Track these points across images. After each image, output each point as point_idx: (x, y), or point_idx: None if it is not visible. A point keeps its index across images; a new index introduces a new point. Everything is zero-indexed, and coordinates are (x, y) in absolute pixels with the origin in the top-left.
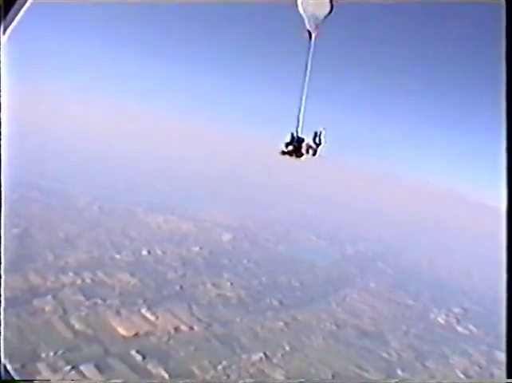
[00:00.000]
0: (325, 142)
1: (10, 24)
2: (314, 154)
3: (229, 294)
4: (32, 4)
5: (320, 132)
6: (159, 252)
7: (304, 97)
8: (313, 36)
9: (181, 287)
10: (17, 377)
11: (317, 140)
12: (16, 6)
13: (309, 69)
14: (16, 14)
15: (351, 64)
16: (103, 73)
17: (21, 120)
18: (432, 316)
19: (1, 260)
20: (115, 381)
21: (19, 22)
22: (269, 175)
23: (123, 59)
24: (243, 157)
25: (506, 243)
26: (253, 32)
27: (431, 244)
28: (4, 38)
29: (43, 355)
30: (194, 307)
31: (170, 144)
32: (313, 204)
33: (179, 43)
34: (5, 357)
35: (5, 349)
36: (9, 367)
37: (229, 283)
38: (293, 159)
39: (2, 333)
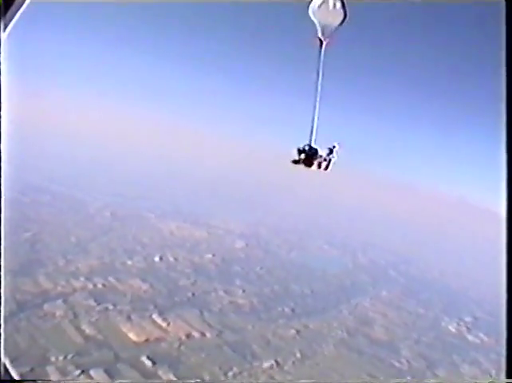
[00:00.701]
0: (335, 158)
1: (10, 23)
2: (326, 169)
3: (241, 301)
4: (31, 3)
5: (334, 147)
6: (171, 258)
7: (317, 106)
8: (324, 44)
9: (193, 294)
10: (17, 377)
11: (331, 155)
12: (15, 5)
13: (320, 77)
14: (15, 13)
15: (361, 70)
16: (103, 72)
17: (28, 122)
18: (443, 324)
19: (2, 263)
20: (121, 381)
21: (18, 21)
22: (282, 182)
23: (123, 58)
24: (256, 164)
25: (506, 246)
26: (260, 32)
27: (442, 252)
28: (4, 37)
29: (53, 359)
30: (206, 314)
31: (183, 150)
32: (326, 212)
33: (180, 43)
34: (5, 357)
35: (5, 348)
36: (9, 366)
37: (241, 290)
38: (303, 167)
39: (3, 333)
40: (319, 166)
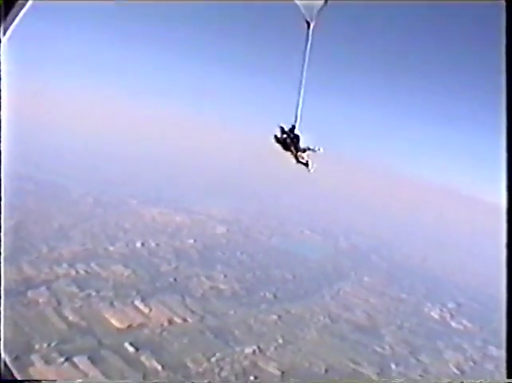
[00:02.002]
0: (311, 165)
1: (11, 24)
2: (297, 162)
3: (222, 286)
4: (32, 4)
5: (314, 149)
6: (153, 244)
7: (302, 90)
8: (311, 26)
9: (175, 279)
10: (17, 376)
11: (305, 159)
12: (16, 7)
13: (306, 59)
14: (16, 14)
15: (349, 59)
16: (102, 70)
17: (19, 115)
18: (426, 310)
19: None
20: (122, 381)
21: (19, 22)
22: (264, 168)
23: (123, 58)
24: (238, 150)
25: (506, 243)
26: (249, 20)
27: (425, 238)
28: (4, 39)
29: (37, 347)
30: (188, 299)
31: (165, 137)
32: (307, 198)
33: (177, 35)
34: (5, 355)
35: (5, 347)
36: (9, 365)
37: (222, 276)
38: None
39: (2, 333)
40: (295, 157)
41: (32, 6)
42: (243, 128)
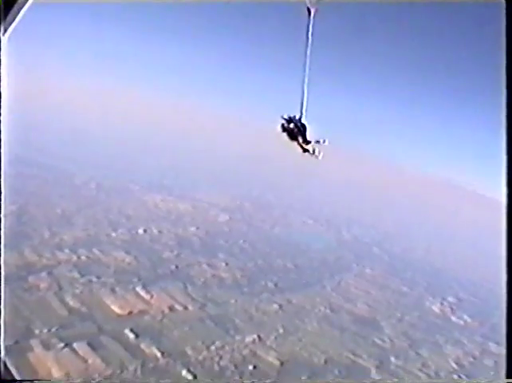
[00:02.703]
0: (320, 154)
1: (11, 24)
2: (304, 152)
3: (224, 274)
4: (32, 4)
5: (319, 141)
6: (155, 231)
7: (306, 78)
8: (312, 12)
9: (176, 267)
10: (17, 377)
11: (312, 148)
12: (16, 7)
13: (309, 46)
14: (16, 15)
15: (354, 53)
16: (105, 57)
17: (23, 100)
18: (427, 304)
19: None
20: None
21: (19, 23)
22: (268, 158)
23: (126, 45)
24: (242, 139)
25: (506, 242)
26: (251, 10)
27: (427, 232)
28: (4, 39)
29: (37, 332)
30: (189, 287)
31: (170, 125)
32: (311, 188)
33: (179, 24)
34: (5, 355)
35: (4, 346)
36: (9, 365)
37: (224, 264)
38: (286, 138)
39: (2, 332)
40: (301, 145)
41: (32, 6)
42: (247, 117)
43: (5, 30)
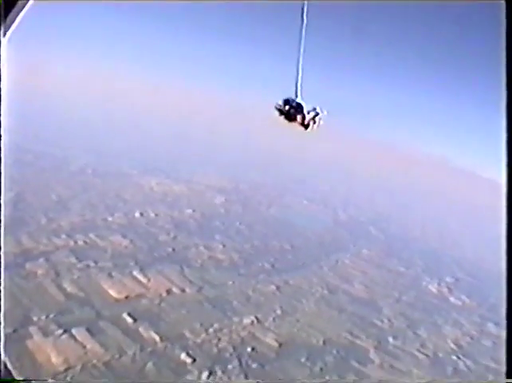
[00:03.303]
0: (318, 122)
1: (11, 25)
2: (307, 127)
3: (221, 256)
4: (32, 4)
5: (317, 113)
6: (151, 214)
7: (301, 58)
8: None
9: (173, 249)
10: (17, 377)
11: (312, 117)
12: (17, 7)
13: (304, 24)
14: (17, 15)
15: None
16: (100, 42)
17: (17, 87)
18: (424, 284)
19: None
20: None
21: (20, 22)
22: (264, 138)
23: (118, 29)
24: (238, 120)
25: (506, 238)
26: None
27: (423, 212)
28: (4, 39)
29: (35, 319)
30: (186, 270)
31: (164, 107)
32: (307, 168)
33: (172, 7)
34: (5, 355)
35: (4, 346)
36: (9, 365)
37: (221, 246)
38: (284, 122)
39: (3, 332)
40: (302, 122)
41: (32, 6)
42: (244, 98)
43: (6, 31)
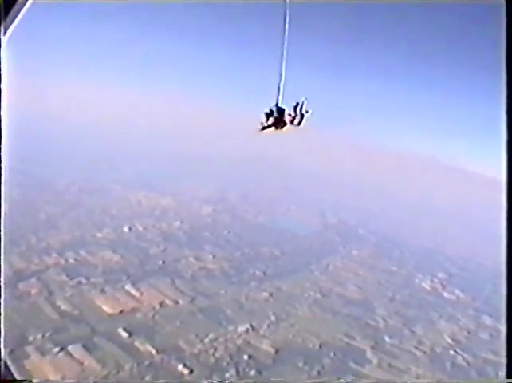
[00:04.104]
0: (309, 112)
1: (11, 24)
2: (299, 124)
3: (211, 266)
4: (32, 4)
5: (303, 103)
6: (140, 228)
7: (283, 63)
8: None
9: (163, 262)
10: (17, 377)
11: (299, 111)
12: (16, 6)
13: (287, 28)
14: (16, 14)
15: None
16: (84, 55)
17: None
18: (417, 282)
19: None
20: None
21: (19, 22)
22: (248, 147)
23: (121, 57)
24: (221, 130)
25: (506, 240)
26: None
27: (412, 211)
28: (4, 38)
29: (31, 338)
30: (178, 281)
31: (145, 120)
32: (292, 175)
33: (158, 14)
34: (5, 355)
35: (5, 346)
36: (9, 364)
37: (211, 256)
38: (274, 132)
39: (3, 333)
40: (291, 122)
41: (32, 6)
42: (226, 108)
43: (6, 30)
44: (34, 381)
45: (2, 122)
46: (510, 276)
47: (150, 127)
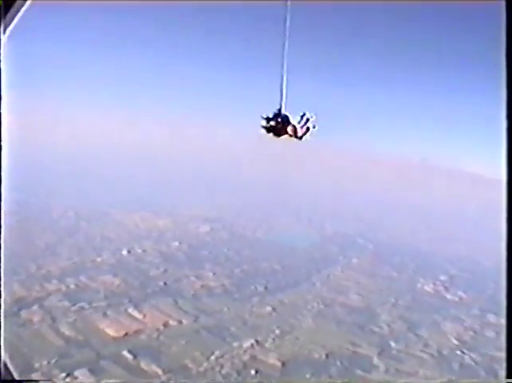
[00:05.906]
0: (316, 128)
1: (10, 24)
2: (301, 138)
3: (213, 284)
4: (32, 4)
5: (308, 119)
6: (139, 251)
7: (285, 68)
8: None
9: (165, 283)
10: (17, 377)
11: (304, 123)
12: (16, 6)
13: (287, 35)
14: (16, 14)
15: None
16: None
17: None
18: (419, 286)
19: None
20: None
21: (19, 22)
22: (242, 162)
23: (121, 56)
24: (213, 146)
25: (506, 241)
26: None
27: (409, 216)
28: (4, 38)
29: (37, 365)
30: (180, 301)
31: (137, 141)
32: (288, 189)
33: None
34: (5, 355)
35: (5, 348)
36: (9, 365)
37: (211, 274)
38: (271, 138)
39: (3, 333)
40: (294, 133)
41: (31, 6)
42: (218, 123)
43: (5, 29)
44: (34, 381)
45: (3, 122)
46: (510, 277)
47: (141, 149)
